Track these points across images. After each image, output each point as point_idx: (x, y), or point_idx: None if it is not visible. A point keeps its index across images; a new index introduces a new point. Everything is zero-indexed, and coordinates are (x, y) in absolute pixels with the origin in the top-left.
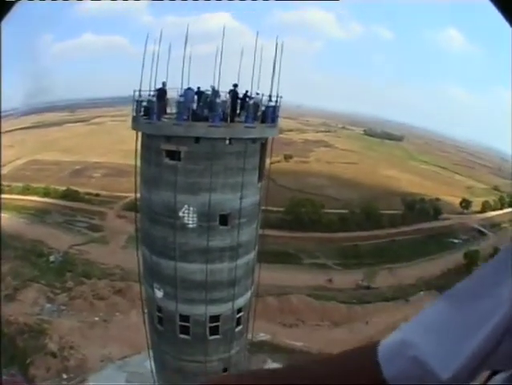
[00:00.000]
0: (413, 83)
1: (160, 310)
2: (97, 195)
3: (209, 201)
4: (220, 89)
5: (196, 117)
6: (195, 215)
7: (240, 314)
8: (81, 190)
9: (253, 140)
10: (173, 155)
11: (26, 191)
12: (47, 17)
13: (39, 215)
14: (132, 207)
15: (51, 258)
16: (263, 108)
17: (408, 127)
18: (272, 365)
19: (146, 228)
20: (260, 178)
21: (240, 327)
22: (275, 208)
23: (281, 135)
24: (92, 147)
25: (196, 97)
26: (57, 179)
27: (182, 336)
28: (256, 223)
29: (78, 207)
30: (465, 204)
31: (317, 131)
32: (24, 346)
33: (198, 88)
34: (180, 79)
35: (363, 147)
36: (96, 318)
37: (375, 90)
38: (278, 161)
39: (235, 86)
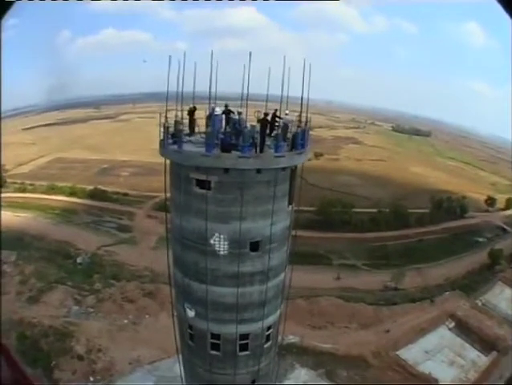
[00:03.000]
0: (438, 78)
1: (191, 327)
2: (125, 194)
3: (239, 229)
4: (249, 89)
5: (224, 146)
6: (226, 242)
7: (269, 331)
8: (109, 189)
9: (284, 168)
10: (203, 184)
11: (51, 190)
12: (66, 14)
13: (65, 215)
14: (162, 207)
15: (79, 260)
16: (293, 130)
17: (435, 123)
18: (299, 370)
19: (178, 252)
20: (290, 202)
21: (269, 343)
22: (306, 208)
23: (311, 132)
24: (120, 145)
25: (223, 121)
26: (83, 178)
27: (213, 352)
28: (286, 246)
29: (106, 207)
30: (490, 201)
31: (346, 128)
32: (48, 348)
33: (226, 108)
34: (207, 77)
35: (391, 143)
36: (125, 321)
37: (401, 84)
38: (309, 159)
39: (266, 115)
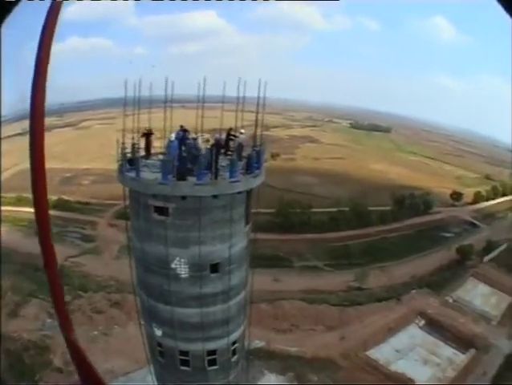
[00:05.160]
0: (401, 73)
1: (160, 345)
2: (87, 203)
3: (199, 253)
4: (207, 91)
5: (180, 173)
6: (187, 266)
7: (235, 346)
8: (72, 199)
9: (239, 192)
10: (161, 210)
11: (19, 202)
12: (34, 23)
13: (33, 226)
14: (122, 215)
15: None
16: (248, 152)
17: (396, 118)
18: (268, 376)
19: (141, 275)
20: (247, 222)
21: (236, 356)
22: (264, 210)
23: (267, 133)
24: (80, 153)
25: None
26: (48, 188)
27: (183, 368)
28: (245, 265)
29: (69, 217)
30: (456, 195)
31: (303, 126)
32: (31, 362)
33: (181, 128)
34: (167, 79)
35: (349, 140)
36: (96, 332)
37: (361, 81)
38: (266, 160)
39: (217, 141)
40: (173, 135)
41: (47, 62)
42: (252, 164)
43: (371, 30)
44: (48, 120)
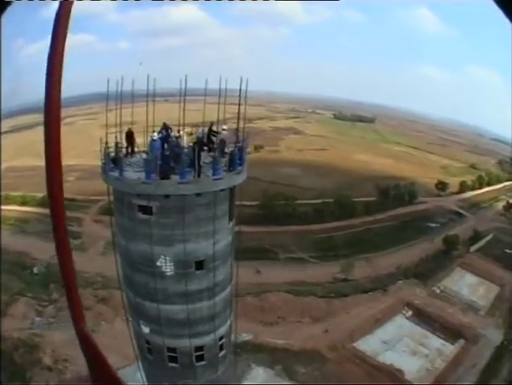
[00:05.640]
0: (385, 64)
1: (148, 342)
2: (72, 200)
3: (183, 251)
4: (190, 84)
5: (163, 173)
6: (171, 264)
7: (222, 341)
8: None
9: (222, 189)
10: (145, 209)
11: (7, 200)
12: (21, 20)
13: (19, 225)
14: (107, 210)
15: (35, 270)
16: (231, 148)
17: (380, 109)
18: (256, 369)
19: (127, 273)
20: (231, 218)
21: (223, 352)
22: (248, 203)
23: (250, 125)
24: (65, 149)
25: (161, 144)
26: (34, 185)
27: (171, 364)
28: (230, 260)
29: None
30: (442, 185)
31: (286, 118)
32: (22, 361)
33: (164, 125)
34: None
35: (333, 131)
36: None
37: (345, 72)
38: (249, 152)
39: (199, 139)
40: (156, 134)
41: (61, 60)
42: (234, 161)
43: (355, 21)
44: (31, 118)
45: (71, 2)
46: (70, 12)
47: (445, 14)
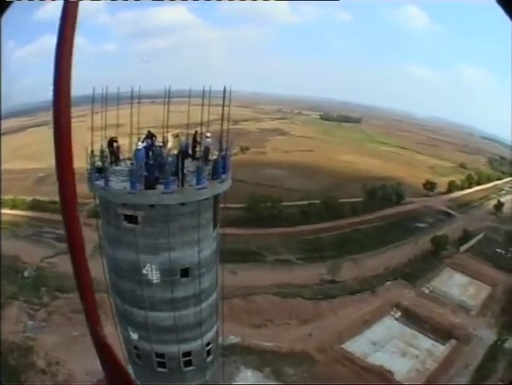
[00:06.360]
0: (372, 64)
1: (136, 348)
2: None
3: (168, 259)
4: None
5: (148, 182)
6: (158, 272)
7: (209, 347)
8: (46, 199)
9: (206, 198)
10: (131, 218)
11: None
12: (12, 23)
13: (11, 228)
14: (94, 213)
15: (26, 273)
16: (215, 156)
17: (367, 109)
18: (245, 372)
19: (114, 280)
20: (215, 226)
21: (211, 357)
22: (234, 205)
23: (236, 126)
24: (53, 152)
25: (146, 152)
26: (24, 188)
27: (160, 369)
28: (215, 267)
29: (44, 217)
30: (430, 185)
31: (273, 119)
32: (17, 364)
33: (148, 133)
34: (137, 76)
35: (319, 132)
36: (75, 333)
37: (332, 73)
38: (235, 154)
39: (185, 148)
40: (140, 144)
41: (70, 62)
42: (218, 170)
43: (342, 20)
44: (20, 121)
45: (76, 2)
46: (76, 11)
47: (434, 12)
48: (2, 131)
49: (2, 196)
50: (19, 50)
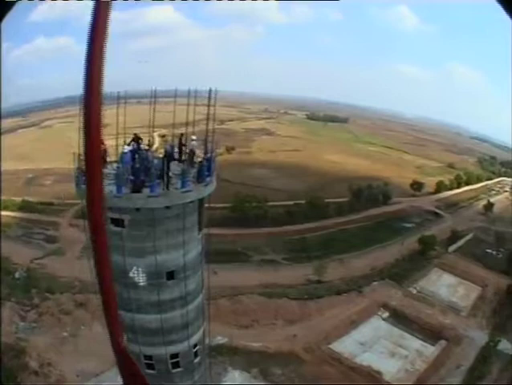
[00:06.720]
0: (361, 63)
1: None
2: (50, 204)
3: (154, 262)
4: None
5: (135, 185)
6: (144, 275)
7: (196, 348)
8: (35, 200)
9: (191, 201)
10: (117, 222)
11: None
12: (8, 25)
13: (4, 230)
14: (83, 214)
15: (16, 275)
16: (199, 159)
17: (354, 109)
18: (233, 372)
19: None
20: (200, 229)
21: (198, 358)
22: (220, 205)
23: (222, 126)
24: (43, 153)
25: (132, 156)
26: (14, 189)
27: (148, 371)
28: (200, 270)
29: (34, 218)
30: (417, 185)
31: (259, 119)
32: (11, 365)
33: (135, 135)
34: (126, 77)
35: (306, 132)
36: (65, 333)
37: (319, 72)
38: (221, 154)
39: (171, 150)
40: (126, 147)
41: (101, 67)
42: (203, 173)
43: (331, 20)
44: (12, 121)
45: (108, 2)
46: (108, 12)
47: (425, 12)
48: None
49: None
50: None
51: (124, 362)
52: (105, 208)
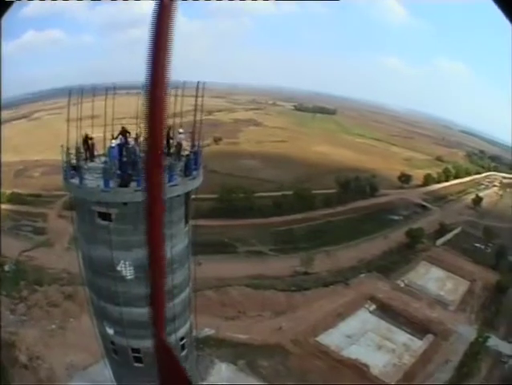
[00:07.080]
0: (350, 56)
1: (113, 343)
2: (39, 196)
3: (142, 255)
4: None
5: (122, 179)
6: (131, 268)
7: (183, 341)
8: (24, 192)
9: (178, 194)
10: (105, 216)
11: None
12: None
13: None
14: (71, 206)
15: (6, 267)
16: (187, 152)
17: (342, 100)
18: (219, 364)
19: (89, 276)
20: (187, 222)
21: (185, 351)
22: (207, 196)
23: (210, 117)
24: (32, 145)
25: (120, 150)
26: (5, 182)
27: (136, 364)
28: (187, 263)
29: (22, 210)
30: (405, 178)
31: (246, 110)
32: (1, 360)
33: (122, 129)
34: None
35: (293, 123)
36: (53, 326)
37: (307, 64)
38: (208, 144)
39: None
40: (114, 141)
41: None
42: (190, 166)
43: (318, 12)
44: (7, 113)
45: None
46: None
47: (413, 5)
48: None
49: None
50: (5, 45)
51: (166, 360)
52: (164, 205)
